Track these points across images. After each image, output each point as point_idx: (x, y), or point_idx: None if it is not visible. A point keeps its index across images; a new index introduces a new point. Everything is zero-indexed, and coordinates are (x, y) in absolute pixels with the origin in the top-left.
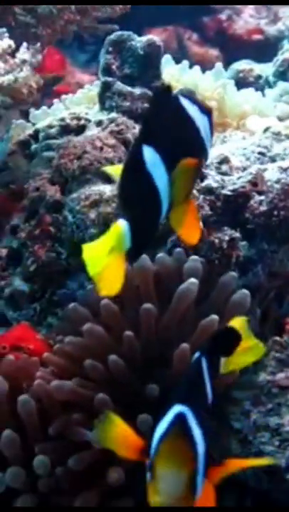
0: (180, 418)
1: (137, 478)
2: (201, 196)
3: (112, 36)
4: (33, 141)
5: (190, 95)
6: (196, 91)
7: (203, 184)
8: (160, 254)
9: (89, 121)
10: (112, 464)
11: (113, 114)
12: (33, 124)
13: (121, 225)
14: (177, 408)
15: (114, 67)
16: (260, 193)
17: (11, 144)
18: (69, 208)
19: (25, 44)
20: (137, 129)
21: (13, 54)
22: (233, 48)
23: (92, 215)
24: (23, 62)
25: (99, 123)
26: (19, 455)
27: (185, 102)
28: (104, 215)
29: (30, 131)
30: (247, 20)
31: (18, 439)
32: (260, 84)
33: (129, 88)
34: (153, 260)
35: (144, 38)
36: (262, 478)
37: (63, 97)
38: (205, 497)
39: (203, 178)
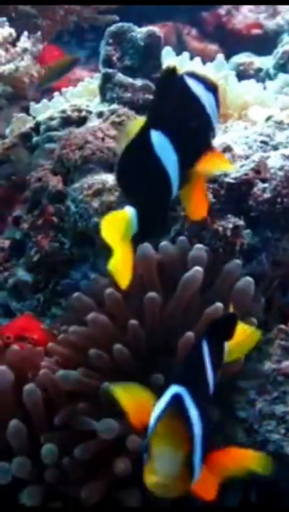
0: (176, 398)
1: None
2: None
3: (112, 28)
4: (34, 134)
5: (195, 74)
6: None
7: None
8: (163, 243)
9: (90, 112)
10: (119, 454)
11: (114, 106)
12: (34, 118)
13: (128, 212)
14: (174, 389)
15: (114, 58)
16: (263, 181)
17: (13, 137)
18: (72, 198)
19: (26, 33)
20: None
21: (13, 43)
22: (233, 42)
23: (95, 204)
24: (24, 50)
25: (100, 114)
26: (25, 445)
27: (190, 81)
28: (107, 203)
29: (31, 124)
30: (246, 14)
31: (24, 429)
32: (260, 77)
33: (130, 79)
34: (156, 249)
35: (144, 29)
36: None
37: (64, 90)
38: (205, 488)
39: None
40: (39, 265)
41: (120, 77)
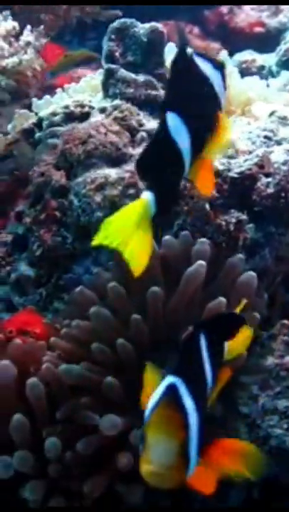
0: (171, 388)
1: None
2: None
3: (115, 24)
4: (36, 130)
5: (203, 54)
6: None
7: None
8: (166, 237)
9: (93, 108)
10: (122, 449)
11: (117, 101)
12: (36, 114)
13: (146, 196)
14: (169, 379)
15: (117, 54)
16: (267, 175)
17: (15, 133)
18: (74, 192)
19: (28, 27)
20: (141, 115)
21: (16, 37)
22: (235, 41)
23: (98, 198)
24: (27, 44)
25: (103, 110)
26: (28, 439)
27: (199, 61)
28: (110, 198)
29: (33, 119)
30: (248, 13)
31: (27, 424)
32: (263, 75)
33: (132, 75)
34: (159, 243)
35: (147, 25)
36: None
37: (66, 86)
38: (203, 482)
39: None
40: (41, 260)
41: (123, 72)
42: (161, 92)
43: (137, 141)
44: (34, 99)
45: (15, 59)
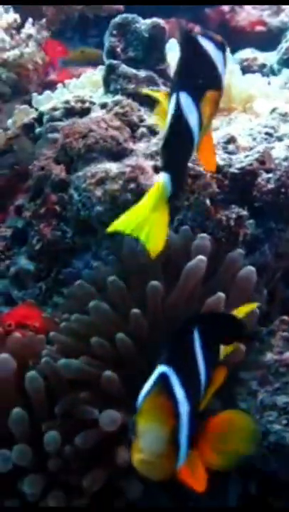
0: (162, 377)
1: None
2: (208, 174)
3: (117, 19)
4: (37, 125)
5: (206, 33)
6: None
7: None
8: None
9: (93, 103)
10: (121, 443)
11: (118, 97)
12: (36, 109)
13: (162, 178)
14: (160, 369)
15: (118, 49)
16: (267, 171)
17: (15, 128)
18: (74, 186)
19: (30, 19)
20: (142, 111)
21: (18, 30)
22: (236, 39)
23: (99, 192)
24: (29, 37)
25: (103, 105)
26: (27, 433)
27: (203, 42)
28: (110, 192)
29: (34, 115)
30: (249, 11)
31: (26, 417)
32: (264, 73)
33: (134, 70)
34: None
35: (148, 21)
36: (269, 458)
37: (67, 81)
38: (194, 476)
39: None
40: (41, 254)
41: (124, 68)
42: (163, 88)
43: (138, 137)
44: (34, 95)
45: (16, 52)
